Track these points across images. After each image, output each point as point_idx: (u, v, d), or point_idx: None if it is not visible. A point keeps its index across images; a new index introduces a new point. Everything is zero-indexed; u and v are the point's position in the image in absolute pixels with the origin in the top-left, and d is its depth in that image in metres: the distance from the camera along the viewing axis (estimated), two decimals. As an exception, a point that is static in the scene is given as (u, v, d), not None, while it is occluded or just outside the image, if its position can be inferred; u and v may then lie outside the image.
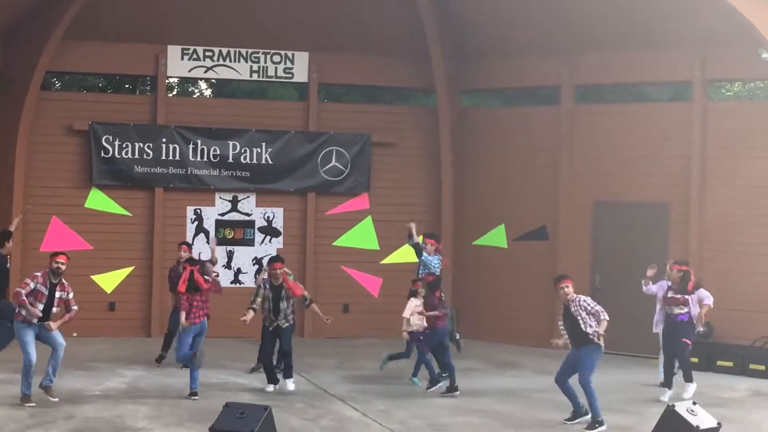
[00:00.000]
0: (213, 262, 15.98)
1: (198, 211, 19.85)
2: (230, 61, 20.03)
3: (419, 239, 16.12)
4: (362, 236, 20.37)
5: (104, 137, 19.33)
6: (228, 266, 19.85)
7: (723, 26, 17.41)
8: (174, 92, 25.11)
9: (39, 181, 19.21)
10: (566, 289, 12.95)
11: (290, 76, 20.31)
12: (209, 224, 19.82)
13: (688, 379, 14.79)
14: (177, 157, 19.60)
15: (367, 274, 20.28)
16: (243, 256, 19.95)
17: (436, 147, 20.43)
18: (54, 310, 13.44)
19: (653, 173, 18.57)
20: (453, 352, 15.45)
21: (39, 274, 13.46)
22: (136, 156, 19.47)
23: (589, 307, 12.77)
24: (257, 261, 19.69)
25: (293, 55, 20.19)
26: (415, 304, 15.16)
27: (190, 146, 19.62)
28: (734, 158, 17.91)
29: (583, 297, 12.97)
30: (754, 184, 17.64)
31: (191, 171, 19.68)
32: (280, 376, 14.76)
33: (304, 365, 16.34)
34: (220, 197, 19.96)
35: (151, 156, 19.50)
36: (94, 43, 19.39)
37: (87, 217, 19.37)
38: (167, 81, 20.96)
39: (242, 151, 19.83)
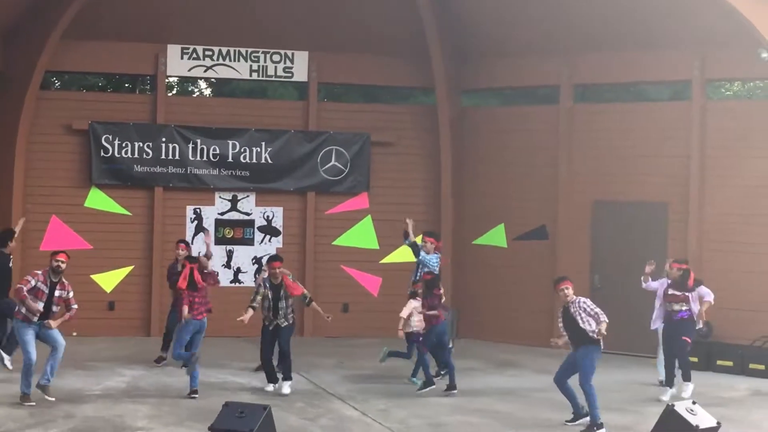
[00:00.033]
0: (208, 256, 15.99)
1: (198, 210, 19.85)
2: (230, 60, 20.03)
3: (417, 239, 16.08)
4: (362, 236, 20.37)
5: (104, 136, 19.33)
6: (228, 266, 19.86)
7: (722, 26, 17.41)
8: (174, 91, 25.12)
9: (38, 181, 19.22)
10: (566, 291, 12.95)
11: (290, 75, 20.31)
12: (209, 223, 19.81)
13: (687, 378, 14.79)
14: (177, 157, 19.60)
15: (366, 273, 20.28)
16: (242, 256, 19.96)
17: (435, 146, 20.43)
18: (53, 308, 13.43)
19: (652, 173, 18.57)
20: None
21: (40, 272, 13.47)
22: (136, 155, 19.47)
23: (588, 309, 12.77)
24: (257, 260, 19.69)
25: (293, 54, 20.19)
26: (413, 305, 15.14)
27: (190, 145, 19.62)
28: (733, 158, 17.92)
29: (582, 299, 12.96)
30: (754, 184, 17.65)
31: (191, 170, 19.68)
32: (280, 375, 14.75)
33: (303, 364, 16.34)
34: (220, 196, 19.96)
35: (150, 155, 19.50)
36: (93, 43, 19.39)
37: (86, 216, 19.36)
38: (167, 80, 20.97)
39: (242, 150, 19.83)
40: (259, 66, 20.13)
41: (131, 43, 19.55)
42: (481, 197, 20.28)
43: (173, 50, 19.78)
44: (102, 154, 19.34)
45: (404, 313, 15.10)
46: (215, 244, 19.66)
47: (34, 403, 13.16)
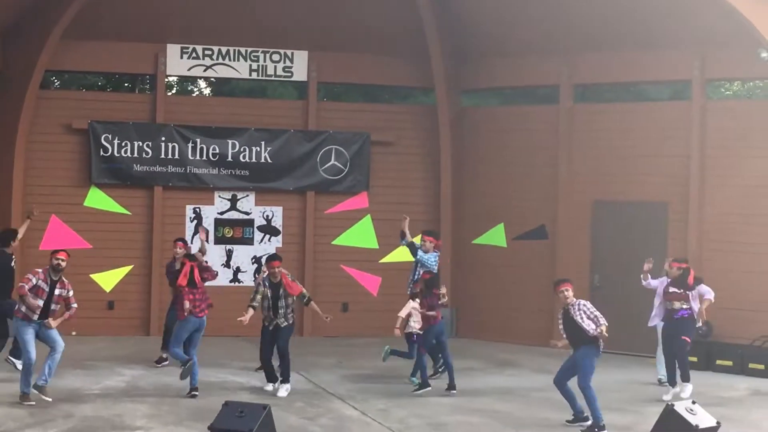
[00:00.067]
0: (202, 251, 15.99)
1: (197, 209, 19.85)
2: (229, 59, 20.03)
3: (416, 239, 16.03)
4: (361, 235, 20.37)
5: (103, 136, 19.33)
6: (227, 265, 19.86)
7: (722, 26, 17.41)
8: (173, 91, 25.11)
9: (38, 180, 19.21)
10: (566, 293, 12.94)
11: (289, 74, 20.30)
12: (208, 223, 19.80)
13: (686, 379, 14.75)
14: (176, 156, 19.59)
15: (366, 273, 20.28)
16: (242, 255, 19.95)
17: (435, 146, 20.43)
18: (52, 306, 13.42)
19: (652, 172, 18.57)
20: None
21: (40, 270, 13.48)
22: (136, 155, 19.46)
23: (588, 312, 12.76)
24: (256, 260, 19.68)
25: (292, 53, 20.19)
26: (412, 305, 15.11)
27: (190, 145, 19.62)
28: (733, 157, 17.91)
29: (583, 301, 12.95)
30: (753, 183, 17.65)
31: (190, 170, 19.67)
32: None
33: (303, 364, 16.34)
34: (220, 196, 19.95)
35: (150, 155, 19.49)
36: (93, 42, 19.39)
37: (86, 215, 19.36)
38: (166, 80, 20.96)
39: (241, 149, 19.82)
40: (258, 65, 20.13)
41: (131, 42, 19.54)
42: (480, 197, 20.28)
43: (173, 50, 19.78)
44: (101, 153, 19.33)
45: (403, 313, 15.08)
46: (215, 243, 19.71)
47: (33, 403, 13.15)
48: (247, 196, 20.04)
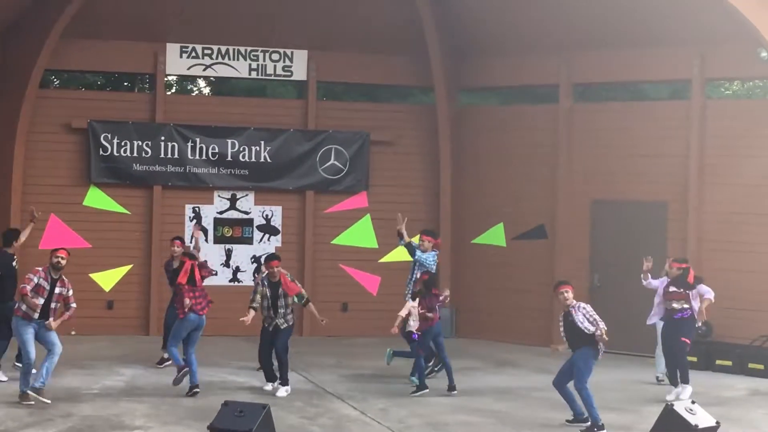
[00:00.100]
0: (197, 249, 15.98)
1: (196, 209, 19.84)
2: (229, 59, 20.02)
3: (415, 238, 16.00)
4: (361, 234, 20.36)
5: (103, 135, 19.32)
6: (226, 264, 19.86)
7: (722, 25, 17.41)
8: (173, 90, 25.09)
9: (37, 179, 19.19)
10: (565, 295, 12.94)
11: (289, 74, 20.30)
12: (208, 222, 19.80)
13: (685, 380, 14.71)
14: (176, 155, 19.59)
15: (365, 272, 20.27)
16: (241, 255, 19.94)
17: (434, 145, 20.43)
18: (53, 305, 13.41)
19: (651, 172, 18.56)
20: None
21: (40, 268, 13.48)
22: (135, 154, 19.46)
23: (588, 315, 12.76)
24: (256, 259, 19.67)
25: (292, 53, 20.18)
26: (411, 305, 15.09)
27: (189, 144, 19.61)
28: (732, 157, 17.91)
29: (583, 304, 12.95)
30: (753, 183, 17.64)
31: (190, 169, 19.67)
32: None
33: (302, 364, 16.35)
34: (219, 195, 19.95)
35: (149, 154, 19.49)
36: (92, 41, 19.37)
37: (85, 215, 19.35)
38: (166, 79, 20.95)
39: (241, 149, 19.82)
40: (258, 65, 20.13)
41: (130, 41, 19.53)
42: (480, 196, 20.27)
43: (172, 49, 19.77)
44: (101, 152, 19.33)
45: (403, 312, 15.07)
46: (214, 243, 19.71)
47: (33, 403, 13.13)
48: (247, 195, 20.03)
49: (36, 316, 13.25)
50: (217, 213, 19.93)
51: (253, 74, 20.25)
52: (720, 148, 18.03)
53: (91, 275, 19.17)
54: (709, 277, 16.13)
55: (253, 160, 19.88)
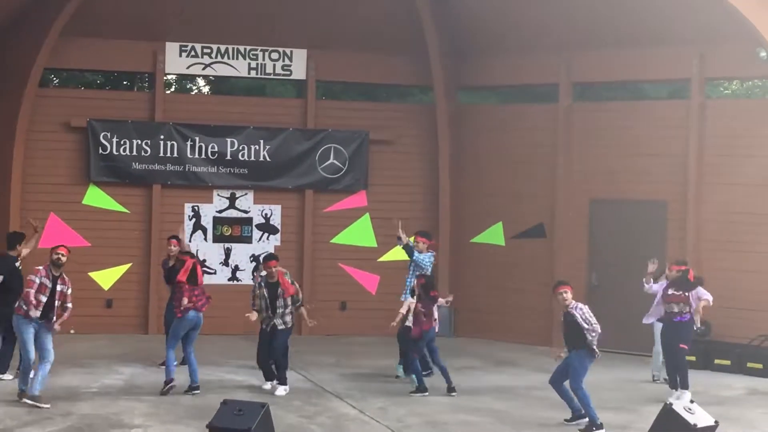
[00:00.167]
0: (182, 248, 15.96)
1: (196, 208, 19.84)
2: (228, 58, 20.02)
3: (410, 239, 16.02)
4: (360, 233, 20.36)
5: (102, 134, 19.32)
6: (225, 263, 19.86)
7: (721, 24, 17.41)
8: (172, 89, 25.08)
9: (37, 178, 19.19)
10: (564, 295, 12.96)
11: (288, 73, 20.30)
12: (207, 221, 19.81)
13: (684, 386, 14.63)
14: (175, 154, 19.59)
15: (364, 271, 20.27)
16: (240, 254, 19.94)
17: (434, 144, 20.43)
18: (56, 303, 13.38)
19: (651, 171, 18.56)
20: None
21: (41, 267, 13.46)
22: (134, 153, 19.46)
23: (583, 316, 12.77)
24: (255, 258, 19.66)
25: (291, 52, 20.18)
26: (410, 301, 15.11)
27: (188, 143, 19.61)
28: (732, 156, 17.91)
29: (581, 305, 12.97)
30: (752, 183, 17.64)
31: (189, 168, 19.67)
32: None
33: (301, 362, 16.35)
34: (218, 194, 19.95)
35: (149, 153, 19.49)
36: (92, 40, 19.37)
37: (85, 213, 19.35)
38: (165, 78, 20.93)
39: (240, 148, 19.82)
40: (257, 64, 20.13)
41: (130, 40, 19.53)
42: (479, 195, 20.28)
43: (172, 48, 19.77)
44: (100, 151, 19.33)
45: (403, 309, 15.11)
46: (213, 242, 19.73)
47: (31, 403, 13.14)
48: (246, 194, 20.03)
49: (38, 314, 13.23)
50: (217, 212, 19.93)
51: (253, 73, 20.25)
52: (719, 148, 18.03)
53: (90, 274, 19.17)
54: (709, 276, 16.13)
55: (253, 159, 19.88)
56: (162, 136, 19.53)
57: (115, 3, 19.24)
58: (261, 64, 20.13)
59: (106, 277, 19.43)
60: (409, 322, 15.08)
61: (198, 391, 14.00)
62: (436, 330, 15.05)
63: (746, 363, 16.86)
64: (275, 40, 20.04)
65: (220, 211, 19.95)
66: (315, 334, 19.38)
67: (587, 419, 12.72)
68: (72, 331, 17.87)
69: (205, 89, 26.40)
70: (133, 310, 19.52)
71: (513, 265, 19.80)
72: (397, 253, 19.27)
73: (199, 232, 19.78)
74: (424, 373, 14.94)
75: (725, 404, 14.38)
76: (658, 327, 15.34)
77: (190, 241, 19.21)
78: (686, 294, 14.61)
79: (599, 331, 12.76)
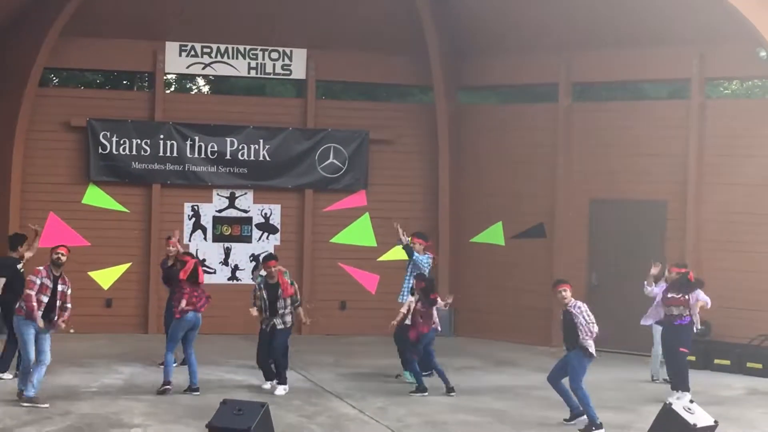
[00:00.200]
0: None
1: (195, 207, 19.84)
2: (228, 57, 20.02)
3: (408, 240, 16.06)
4: (360, 233, 20.36)
5: (102, 133, 19.32)
6: (225, 263, 19.85)
7: (721, 24, 17.41)
8: (172, 89, 25.08)
9: (37, 178, 19.19)
10: (563, 293, 12.98)
11: (288, 72, 20.29)
12: (206, 221, 19.81)
13: (685, 388, 14.60)
14: (174, 154, 19.58)
15: (364, 271, 20.26)
16: (240, 253, 19.94)
17: (433, 144, 20.42)
18: (58, 303, 13.38)
19: (650, 171, 18.56)
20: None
21: (41, 268, 13.44)
22: (134, 152, 19.46)
23: (582, 315, 12.77)
24: (254, 258, 19.66)
25: (291, 51, 20.18)
26: (411, 299, 15.11)
27: (188, 143, 19.61)
28: (732, 156, 17.91)
29: (580, 303, 12.97)
30: (752, 183, 17.64)
31: (189, 167, 19.67)
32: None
33: (301, 362, 16.34)
34: (218, 194, 19.95)
35: (148, 152, 19.49)
36: (92, 40, 19.37)
37: (84, 213, 19.35)
38: (165, 77, 20.92)
39: (240, 147, 19.82)
40: (257, 63, 20.13)
41: (129, 40, 19.53)
42: (478, 195, 20.27)
43: (171, 47, 19.77)
44: (100, 151, 19.33)
45: (405, 309, 15.12)
46: (213, 241, 19.73)
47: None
48: (246, 193, 20.03)
49: (43, 323, 13.20)
50: (216, 211, 19.93)
51: (252, 73, 20.25)
52: (719, 148, 18.02)
53: (89, 273, 19.17)
54: (709, 276, 16.14)
55: (252, 158, 19.87)
56: (162, 136, 19.52)
57: (115, 3, 19.24)
58: (261, 63, 20.12)
59: (105, 277, 19.43)
60: (409, 321, 15.08)
61: (197, 392, 13.99)
62: (439, 329, 15.06)
63: (746, 363, 16.86)
64: (275, 39, 20.04)
65: (220, 211, 19.95)
66: (315, 334, 19.39)
67: (586, 418, 12.71)
68: (71, 331, 17.73)
69: (205, 89, 26.41)
70: (132, 309, 19.51)
71: (513, 265, 19.80)
72: (396, 253, 19.27)
73: (199, 231, 19.77)
74: (424, 373, 14.94)
75: (725, 404, 14.38)
76: (658, 329, 15.34)
77: (189, 240, 19.23)
78: (686, 297, 14.57)
79: (596, 331, 12.77)
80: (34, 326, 13.25)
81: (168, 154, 19.55)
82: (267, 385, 14.62)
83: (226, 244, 19.91)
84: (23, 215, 18.44)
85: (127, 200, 19.57)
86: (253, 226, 20.04)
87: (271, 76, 20.41)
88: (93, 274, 19.27)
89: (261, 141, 19.90)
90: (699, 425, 11.27)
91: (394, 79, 21.05)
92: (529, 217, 19.74)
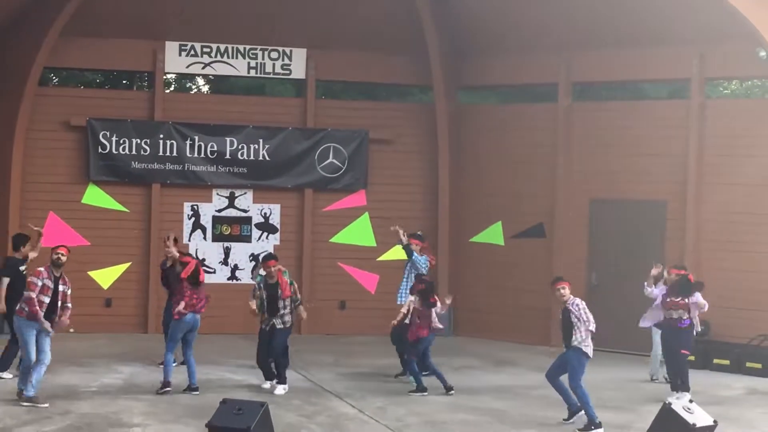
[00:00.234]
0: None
1: (195, 207, 19.84)
2: (228, 57, 20.02)
3: (407, 240, 16.08)
4: (359, 233, 20.35)
5: (102, 133, 19.32)
6: (225, 262, 19.85)
7: (721, 24, 17.41)
8: (171, 88, 25.08)
9: (36, 177, 19.19)
10: (562, 291, 13.00)
11: (288, 72, 20.29)
12: (206, 220, 19.81)
13: (685, 388, 14.60)
14: (174, 153, 19.59)
15: (364, 270, 20.26)
16: (240, 253, 19.93)
17: (433, 144, 20.42)
18: (59, 303, 13.37)
19: (650, 171, 18.56)
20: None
21: (42, 269, 13.43)
22: (134, 152, 19.46)
23: (582, 312, 12.78)
24: (254, 257, 19.65)
25: (291, 51, 20.18)
26: (411, 299, 15.11)
27: (188, 142, 19.61)
28: (731, 156, 17.91)
29: (578, 300, 12.98)
30: (752, 183, 17.64)
31: (188, 167, 19.67)
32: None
33: (300, 362, 16.34)
34: (217, 193, 19.94)
35: (148, 152, 19.49)
36: (91, 39, 19.37)
37: (84, 213, 19.35)
38: (165, 77, 20.93)
39: (239, 147, 19.82)
40: (257, 63, 20.12)
41: (129, 39, 19.53)
42: (478, 195, 20.27)
43: (171, 47, 19.77)
44: (100, 150, 19.33)
45: (405, 308, 15.13)
46: (212, 241, 19.73)
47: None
48: (245, 193, 20.03)
49: (48, 326, 13.20)
50: (216, 211, 19.93)
51: (252, 72, 20.25)
52: (720, 148, 18.03)
53: (89, 273, 19.17)
54: (709, 276, 16.15)
55: (252, 158, 19.87)
56: (161, 135, 19.52)
57: (115, 3, 19.23)
58: (260, 63, 20.12)
59: (105, 276, 19.43)
60: (408, 321, 15.09)
61: (197, 392, 13.99)
62: (441, 327, 15.07)
63: (745, 363, 16.86)
64: (275, 39, 20.04)
65: (220, 211, 19.94)
66: (314, 334, 19.40)
67: (585, 415, 12.72)
68: (71, 330, 17.83)
69: (205, 88, 26.42)
70: (132, 309, 19.51)
71: (513, 265, 19.80)
72: (396, 253, 19.26)
73: (199, 231, 19.77)
74: (423, 373, 14.93)
75: (724, 404, 14.38)
76: (657, 331, 15.33)
77: (189, 240, 19.23)
78: (685, 300, 14.55)
79: (593, 330, 12.77)
80: (34, 326, 13.24)
81: (168, 153, 19.55)
82: (267, 385, 14.62)
83: (226, 244, 19.92)
84: (23, 215, 18.45)
85: (126, 200, 19.57)
86: (253, 226, 20.04)
87: (271, 75, 20.41)
88: (93, 274, 19.27)
89: (261, 141, 19.90)
90: (698, 425, 11.27)
91: (394, 78, 21.05)
92: (529, 217, 19.74)
